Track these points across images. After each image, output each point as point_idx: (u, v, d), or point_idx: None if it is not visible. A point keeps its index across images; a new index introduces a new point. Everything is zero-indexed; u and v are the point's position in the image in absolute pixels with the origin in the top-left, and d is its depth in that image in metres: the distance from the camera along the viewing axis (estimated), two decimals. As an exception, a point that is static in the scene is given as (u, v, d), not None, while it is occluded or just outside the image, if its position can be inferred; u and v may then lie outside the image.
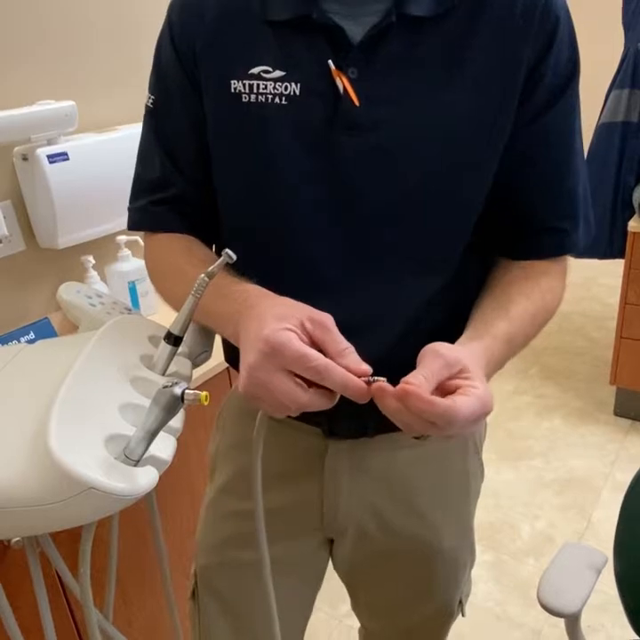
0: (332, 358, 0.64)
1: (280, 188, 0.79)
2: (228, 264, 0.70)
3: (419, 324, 0.82)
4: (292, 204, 0.79)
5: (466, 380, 0.65)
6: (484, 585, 2.10)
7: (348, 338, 0.67)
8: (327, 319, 0.66)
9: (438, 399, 0.61)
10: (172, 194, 0.87)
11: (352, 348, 0.66)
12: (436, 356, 0.65)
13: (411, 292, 0.81)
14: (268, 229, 0.81)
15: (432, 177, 0.77)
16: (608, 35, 3.23)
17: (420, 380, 0.62)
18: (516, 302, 0.80)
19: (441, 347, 0.67)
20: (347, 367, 0.64)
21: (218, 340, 0.91)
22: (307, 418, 0.76)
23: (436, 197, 0.78)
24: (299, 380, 0.64)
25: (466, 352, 0.69)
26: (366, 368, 0.65)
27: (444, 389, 0.65)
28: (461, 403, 0.62)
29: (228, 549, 0.96)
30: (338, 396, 0.66)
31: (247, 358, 0.65)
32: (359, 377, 0.64)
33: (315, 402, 0.65)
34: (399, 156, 0.76)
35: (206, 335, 0.88)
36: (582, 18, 3.31)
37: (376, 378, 0.64)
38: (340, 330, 0.67)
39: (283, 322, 0.65)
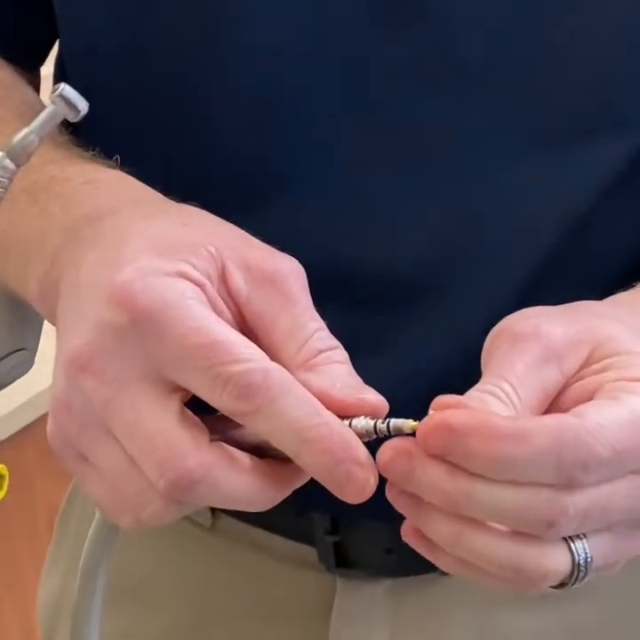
0: (288, 368, 0.21)
1: None
2: (63, 123, 0.24)
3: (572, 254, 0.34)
4: None
5: (607, 373, 0.22)
6: None
7: (399, 308, 0.30)
8: (286, 266, 0.23)
9: (524, 420, 0.21)
10: None
11: (339, 350, 0.23)
12: (525, 342, 0.22)
13: (562, 182, 0.32)
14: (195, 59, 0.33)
15: None
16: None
17: (483, 400, 0.21)
18: None
19: (542, 315, 0.24)
20: (325, 394, 0.21)
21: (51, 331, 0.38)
22: (283, 526, 0.34)
23: None
24: (190, 413, 0.21)
25: (614, 312, 0.26)
26: (377, 399, 0.22)
27: (563, 406, 0.23)
28: (591, 412, 0.20)
29: None
30: (295, 481, 0.22)
31: (71, 339, 0.21)
32: (350, 418, 0.21)
33: (220, 476, 0.20)
34: None
35: (20, 308, 0.36)
36: None
37: (396, 421, 0.20)
38: (368, 285, 0.30)
39: (175, 254, 0.22)
